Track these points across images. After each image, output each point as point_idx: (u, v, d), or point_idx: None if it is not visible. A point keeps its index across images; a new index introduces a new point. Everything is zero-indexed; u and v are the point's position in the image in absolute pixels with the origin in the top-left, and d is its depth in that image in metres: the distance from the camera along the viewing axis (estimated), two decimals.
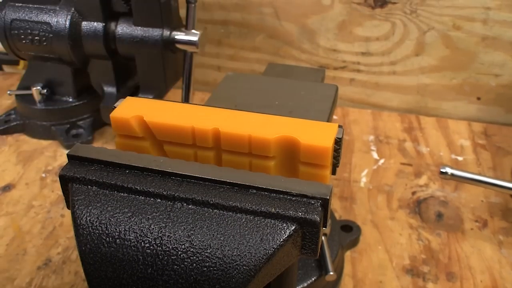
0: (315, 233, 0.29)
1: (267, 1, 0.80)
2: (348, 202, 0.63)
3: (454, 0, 0.74)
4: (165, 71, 0.66)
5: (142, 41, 0.65)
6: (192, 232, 0.28)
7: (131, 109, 0.35)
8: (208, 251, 0.28)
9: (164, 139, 0.35)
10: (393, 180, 0.66)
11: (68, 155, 0.32)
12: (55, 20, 0.66)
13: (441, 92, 0.81)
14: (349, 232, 0.57)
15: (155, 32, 0.64)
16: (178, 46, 0.66)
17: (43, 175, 0.66)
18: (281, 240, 0.28)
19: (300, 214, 0.28)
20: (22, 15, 0.67)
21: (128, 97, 0.37)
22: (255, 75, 0.51)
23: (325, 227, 0.30)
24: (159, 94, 0.69)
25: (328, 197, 0.29)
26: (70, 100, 0.73)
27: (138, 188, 0.30)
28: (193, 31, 0.66)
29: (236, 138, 0.33)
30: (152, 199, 0.30)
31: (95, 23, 0.66)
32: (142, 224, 0.29)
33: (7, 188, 0.64)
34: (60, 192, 0.63)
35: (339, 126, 0.34)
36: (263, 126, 0.34)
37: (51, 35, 0.66)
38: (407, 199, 0.63)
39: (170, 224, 0.29)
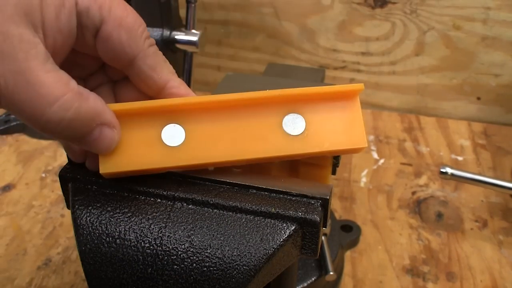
0: (315, 233, 0.29)
1: (267, 1, 0.80)
2: (348, 202, 0.63)
3: (454, 0, 0.74)
4: None
5: None
6: (192, 232, 0.28)
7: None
8: (208, 251, 0.28)
9: None
10: (393, 180, 0.66)
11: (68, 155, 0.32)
12: None
13: (441, 92, 0.81)
14: (349, 232, 0.57)
15: (155, 32, 0.64)
16: (178, 46, 0.66)
17: (43, 175, 0.66)
18: (281, 240, 0.28)
19: (300, 214, 0.28)
20: None
21: None
22: (255, 75, 0.51)
23: (325, 227, 0.30)
24: None
25: (328, 197, 0.29)
26: None
27: (138, 188, 0.30)
28: (193, 31, 0.66)
29: None
30: (152, 199, 0.30)
31: None
32: (142, 224, 0.29)
33: (7, 188, 0.64)
34: (60, 192, 0.63)
35: None
36: None
37: None
38: (407, 199, 0.63)
39: (170, 224, 0.29)
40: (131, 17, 0.29)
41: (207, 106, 0.30)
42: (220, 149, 0.30)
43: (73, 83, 0.26)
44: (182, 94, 0.31)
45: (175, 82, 0.31)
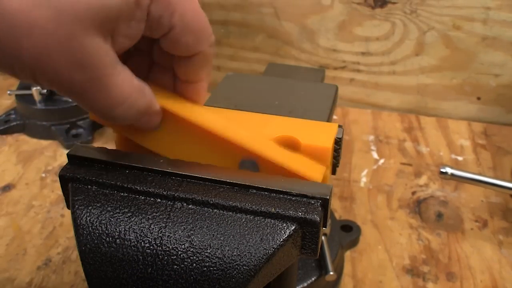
0: (315, 233, 0.29)
1: (267, 1, 0.80)
2: (348, 202, 0.63)
3: (454, 0, 0.74)
4: None
5: None
6: (192, 232, 0.28)
7: None
8: (208, 251, 0.28)
9: None
10: (393, 180, 0.66)
11: (68, 155, 0.32)
12: None
13: (441, 92, 0.81)
14: (349, 232, 0.57)
15: None
16: None
17: (43, 175, 0.66)
18: (281, 240, 0.28)
19: (300, 214, 0.28)
20: None
21: None
22: (255, 75, 0.51)
23: (325, 227, 0.30)
24: None
25: (328, 197, 0.29)
26: (70, 100, 0.73)
27: (138, 188, 0.30)
28: None
29: None
30: (152, 199, 0.30)
31: None
32: (142, 224, 0.29)
33: (7, 188, 0.64)
34: (60, 192, 0.63)
35: (339, 126, 0.34)
36: (263, 126, 0.34)
37: None
38: (407, 199, 0.63)
39: (170, 224, 0.29)
40: (200, 20, 0.31)
41: (178, 119, 0.32)
42: (184, 153, 0.33)
43: (135, 80, 0.29)
44: (196, 97, 0.34)
45: (204, 84, 0.34)
